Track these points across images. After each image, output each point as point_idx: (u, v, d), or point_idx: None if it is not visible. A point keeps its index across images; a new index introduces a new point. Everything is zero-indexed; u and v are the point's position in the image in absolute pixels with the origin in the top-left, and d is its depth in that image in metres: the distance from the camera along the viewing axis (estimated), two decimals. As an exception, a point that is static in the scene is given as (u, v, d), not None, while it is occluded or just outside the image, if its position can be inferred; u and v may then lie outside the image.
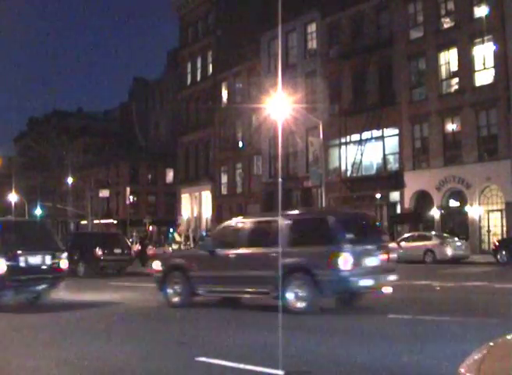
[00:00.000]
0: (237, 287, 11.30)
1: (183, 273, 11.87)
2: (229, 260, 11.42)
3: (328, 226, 10.59)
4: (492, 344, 2.69)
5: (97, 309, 12.24)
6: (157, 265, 12.64)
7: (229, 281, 11.32)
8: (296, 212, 13.07)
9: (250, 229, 11.68)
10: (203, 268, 11.72)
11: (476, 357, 2.57)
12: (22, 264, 12.19)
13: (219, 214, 49.12)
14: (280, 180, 35.40)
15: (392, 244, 28.38)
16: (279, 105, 30.94)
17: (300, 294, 10.25)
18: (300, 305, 10.24)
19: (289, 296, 10.29)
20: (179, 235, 36.49)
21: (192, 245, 27.21)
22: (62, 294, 13.92)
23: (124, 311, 11.80)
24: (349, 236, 10.44)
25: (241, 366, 6.36)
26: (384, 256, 11.03)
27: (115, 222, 63.04)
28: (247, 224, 11.94)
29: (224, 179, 49.43)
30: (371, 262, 10.69)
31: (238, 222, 12.35)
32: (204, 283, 11.65)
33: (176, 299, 11.89)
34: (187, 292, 11.77)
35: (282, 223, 10.95)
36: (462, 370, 2.50)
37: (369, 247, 10.83)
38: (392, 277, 11.06)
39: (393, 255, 11.71)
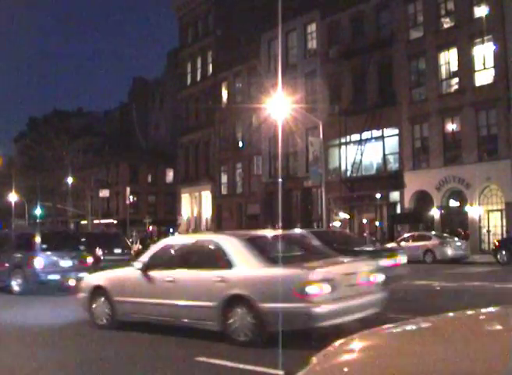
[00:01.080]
0: None
1: None
2: None
3: (31, 239, 16.21)
4: (348, 338, 2.71)
5: None
6: None
7: None
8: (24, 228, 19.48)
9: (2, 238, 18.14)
10: None
11: (329, 349, 2.61)
12: None
13: (219, 214, 49.15)
14: (280, 180, 35.39)
15: (392, 244, 28.57)
16: (279, 105, 30.94)
17: (18, 283, 15.58)
18: (17, 289, 15.55)
19: (13, 284, 15.71)
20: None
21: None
22: None
23: None
24: (44, 246, 16.04)
25: (241, 366, 6.32)
26: (79, 260, 16.22)
27: (115, 222, 63.02)
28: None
29: (224, 179, 49.40)
30: (64, 263, 16.02)
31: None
32: None
33: None
34: None
35: (13, 234, 17.44)
36: (314, 359, 2.52)
37: (63, 253, 16.17)
38: (82, 275, 15.40)
39: (90, 260, 16.85)
